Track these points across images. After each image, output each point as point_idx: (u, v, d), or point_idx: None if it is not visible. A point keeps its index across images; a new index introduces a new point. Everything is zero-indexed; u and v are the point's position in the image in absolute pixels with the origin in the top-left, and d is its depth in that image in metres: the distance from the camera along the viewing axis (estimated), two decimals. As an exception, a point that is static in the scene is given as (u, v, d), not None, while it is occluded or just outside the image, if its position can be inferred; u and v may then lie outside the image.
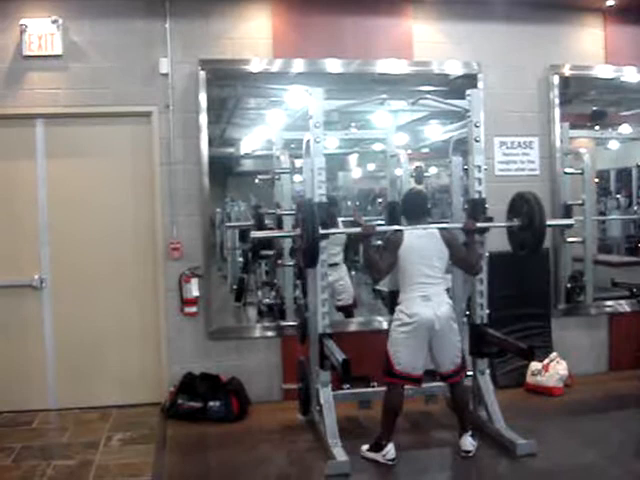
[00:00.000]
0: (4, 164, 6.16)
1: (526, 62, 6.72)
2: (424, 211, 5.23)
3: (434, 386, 5.50)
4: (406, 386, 4.96)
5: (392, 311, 5.19)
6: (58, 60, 6.05)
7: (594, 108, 7.27)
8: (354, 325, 6.55)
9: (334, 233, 5.49)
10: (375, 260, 4.97)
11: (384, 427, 4.93)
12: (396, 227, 5.20)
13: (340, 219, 6.49)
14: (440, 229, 5.08)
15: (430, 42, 6.58)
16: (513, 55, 6.69)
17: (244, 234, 7.36)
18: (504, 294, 6.24)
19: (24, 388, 6.18)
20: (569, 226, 6.05)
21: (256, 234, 5.71)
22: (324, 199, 5.15)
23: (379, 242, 5.62)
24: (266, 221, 6.67)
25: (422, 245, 4.96)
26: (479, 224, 5.21)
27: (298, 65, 6.33)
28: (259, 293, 7.16)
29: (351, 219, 6.21)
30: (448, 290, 5.24)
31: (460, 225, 5.26)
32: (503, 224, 5.30)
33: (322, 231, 4.93)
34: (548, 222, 5.21)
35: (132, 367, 6.31)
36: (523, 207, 5.16)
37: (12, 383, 6.14)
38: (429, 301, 4.84)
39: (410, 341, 4.84)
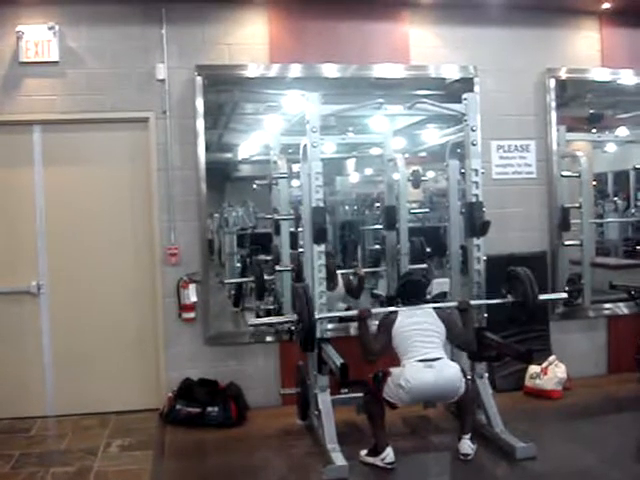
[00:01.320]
0: (1, 171, 6.16)
1: (522, 66, 6.72)
2: (420, 296, 5.30)
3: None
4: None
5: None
6: (55, 66, 6.05)
7: (591, 111, 7.27)
8: (352, 330, 6.52)
9: (330, 317, 5.51)
10: (368, 341, 5.02)
11: (375, 432, 4.93)
12: (391, 309, 5.22)
13: (339, 272, 6.57)
14: (435, 308, 5.12)
15: (427, 46, 6.59)
16: (509, 59, 6.70)
17: (242, 239, 7.37)
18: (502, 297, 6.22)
19: (22, 395, 6.17)
20: (561, 299, 6.23)
21: (254, 321, 5.80)
22: (322, 204, 5.14)
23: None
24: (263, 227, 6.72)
25: (417, 321, 5.00)
26: (473, 302, 5.27)
27: (295, 70, 6.35)
28: (257, 298, 7.15)
29: (351, 270, 6.32)
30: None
31: (455, 304, 5.29)
32: (497, 300, 5.34)
33: (318, 316, 5.04)
34: (541, 297, 5.24)
35: (130, 373, 6.30)
36: (517, 285, 5.22)
37: (10, 390, 6.13)
38: (431, 368, 4.80)
39: (407, 399, 4.84)
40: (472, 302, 5.26)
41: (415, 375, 4.76)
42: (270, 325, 6.15)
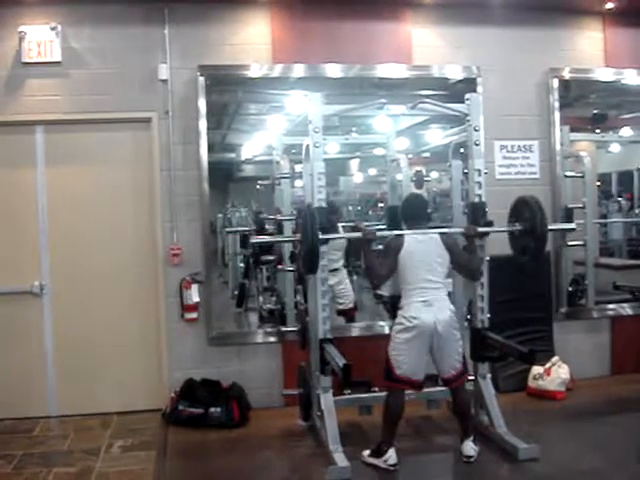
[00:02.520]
0: (4, 171, 6.17)
1: (525, 66, 6.70)
2: (424, 216, 5.22)
3: (436, 391, 5.47)
4: (407, 391, 4.95)
5: (393, 316, 5.19)
6: (57, 67, 6.05)
7: (594, 111, 7.26)
8: (355, 330, 6.53)
9: (334, 238, 5.47)
10: (374, 265, 4.96)
11: (385, 433, 4.92)
12: (396, 232, 5.18)
13: (340, 224, 6.48)
14: (441, 234, 5.06)
15: (429, 46, 6.57)
16: (512, 59, 6.68)
17: (245, 240, 7.38)
18: (505, 298, 6.21)
19: (25, 395, 6.17)
20: (571, 230, 6.00)
21: (256, 239, 5.70)
22: (324, 204, 5.14)
23: (380, 247, 5.60)
24: (266, 226, 6.70)
25: (422, 250, 4.94)
26: (480, 229, 5.20)
27: (298, 70, 6.33)
28: (260, 298, 7.16)
29: (351, 224, 6.23)
30: (449, 294, 5.23)
31: (461, 230, 5.25)
32: (504, 229, 5.28)
33: (322, 236, 4.93)
34: (550, 226, 5.19)
35: (133, 373, 6.29)
36: (525, 211, 5.14)
37: (13, 390, 6.12)
38: (430, 306, 4.82)
39: (411, 346, 4.82)
40: (479, 229, 5.19)
41: (414, 313, 4.81)
42: (272, 246, 6.37)
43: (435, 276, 4.92)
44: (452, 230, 5.33)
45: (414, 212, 5.19)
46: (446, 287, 5.06)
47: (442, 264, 4.98)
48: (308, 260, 4.95)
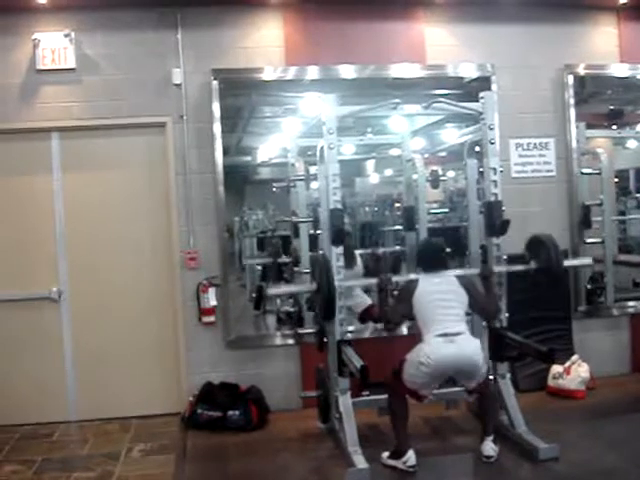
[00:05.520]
0: (21, 178, 6.21)
1: (540, 62, 6.66)
2: (440, 262, 5.16)
3: (455, 391, 5.44)
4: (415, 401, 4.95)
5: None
6: (71, 73, 6.09)
7: (611, 107, 7.21)
8: (373, 331, 6.49)
9: (350, 285, 5.45)
10: (388, 310, 5.00)
11: (397, 435, 4.91)
12: (412, 276, 5.17)
13: (357, 252, 6.53)
14: (457, 276, 5.05)
15: (443, 45, 6.55)
16: (527, 56, 6.65)
17: (262, 242, 7.39)
18: (523, 297, 6.16)
19: (44, 400, 6.20)
20: (588, 266, 6.10)
21: (272, 290, 5.72)
22: (339, 205, 5.13)
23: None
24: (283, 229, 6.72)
25: (439, 290, 4.93)
26: (496, 268, 5.23)
27: (311, 72, 6.33)
28: (278, 301, 7.15)
29: (369, 251, 6.28)
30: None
31: (477, 271, 5.28)
32: (520, 267, 5.31)
33: (338, 283, 5.02)
34: (565, 263, 5.22)
35: (151, 377, 6.32)
36: (540, 251, 5.19)
37: (32, 395, 6.17)
38: (452, 342, 4.72)
39: (427, 377, 4.78)
40: (495, 268, 5.20)
41: (436, 350, 4.70)
42: (290, 297, 6.38)
43: (455, 312, 4.87)
44: (468, 272, 5.33)
45: (430, 258, 5.17)
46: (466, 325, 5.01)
47: (461, 303, 4.94)
48: (325, 310, 5.02)
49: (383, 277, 5.07)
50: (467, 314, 5.12)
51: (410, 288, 4.97)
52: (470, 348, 4.78)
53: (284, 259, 6.88)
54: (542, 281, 5.18)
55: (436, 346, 4.72)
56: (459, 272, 5.17)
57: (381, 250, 6.69)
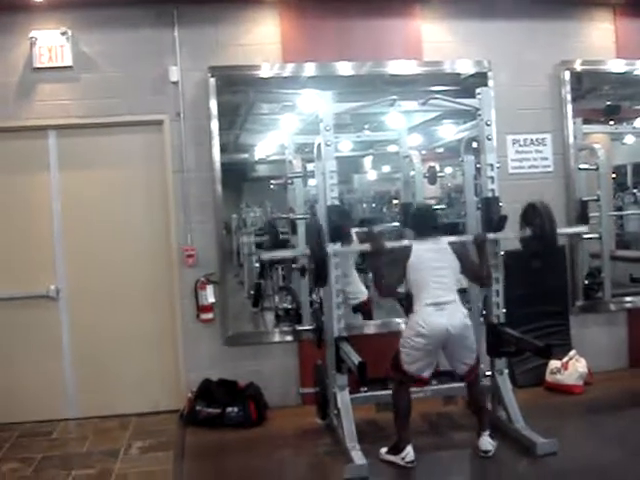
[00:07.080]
0: (18, 176, 6.20)
1: (536, 58, 6.66)
2: (433, 227, 5.16)
3: (452, 387, 5.44)
4: (421, 387, 4.96)
5: (407, 312, 5.16)
6: (68, 71, 6.09)
7: (607, 103, 7.21)
8: (371, 327, 6.51)
9: (342, 252, 5.40)
10: (382, 275, 4.98)
11: (399, 429, 4.92)
12: (405, 242, 5.17)
13: (354, 230, 6.47)
14: (450, 242, 5.05)
15: (439, 42, 6.55)
16: (523, 52, 6.64)
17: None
18: (520, 292, 6.17)
19: (43, 398, 6.20)
20: (583, 233, 6.02)
21: (265, 255, 5.70)
22: (336, 202, 5.13)
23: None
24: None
25: (432, 257, 4.93)
26: (489, 235, 5.22)
27: (308, 69, 6.31)
28: (276, 298, 7.17)
29: (364, 229, 6.24)
30: (464, 291, 5.22)
31: (470, 237, 5.26)
32: (514, 234, 5.33)
33: (330, 249, 4.99)
34: (559, 230, 5.21)
35: (150, 375, 6.32)
36: (535, 218, 5.19)
37: (31, 393, 6.17)
38: (442, 310, 4.78)
39: (422, 349, 4.80)
40: (489, 235, 5.21)
41: (427, 317, 4.76)
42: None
43: (446, 281, 4.89)
44: (461, 238, 5.32)
45: (422, 223, 5.16)
46: (458, 285, 5.04)
47: (452, 270, 4.96)
48: (316, 275, 5.00)
49: (376, 241, 5.05)
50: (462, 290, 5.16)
51: (404, 254, 4.96)
52: (459, 317, 4.82)
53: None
54: (538, 250, 5.17)
55: (427, 314, 4.78)
56: (452, 238, 5.16)
57: (378, 228, 6.63)
